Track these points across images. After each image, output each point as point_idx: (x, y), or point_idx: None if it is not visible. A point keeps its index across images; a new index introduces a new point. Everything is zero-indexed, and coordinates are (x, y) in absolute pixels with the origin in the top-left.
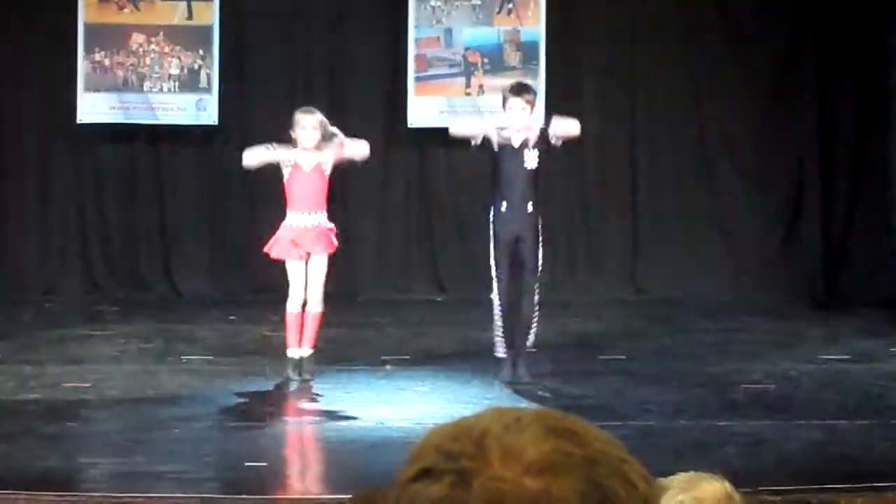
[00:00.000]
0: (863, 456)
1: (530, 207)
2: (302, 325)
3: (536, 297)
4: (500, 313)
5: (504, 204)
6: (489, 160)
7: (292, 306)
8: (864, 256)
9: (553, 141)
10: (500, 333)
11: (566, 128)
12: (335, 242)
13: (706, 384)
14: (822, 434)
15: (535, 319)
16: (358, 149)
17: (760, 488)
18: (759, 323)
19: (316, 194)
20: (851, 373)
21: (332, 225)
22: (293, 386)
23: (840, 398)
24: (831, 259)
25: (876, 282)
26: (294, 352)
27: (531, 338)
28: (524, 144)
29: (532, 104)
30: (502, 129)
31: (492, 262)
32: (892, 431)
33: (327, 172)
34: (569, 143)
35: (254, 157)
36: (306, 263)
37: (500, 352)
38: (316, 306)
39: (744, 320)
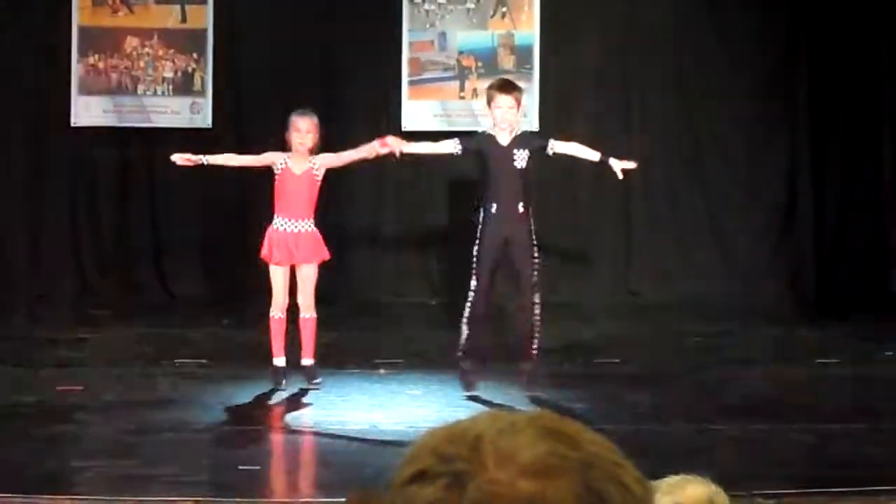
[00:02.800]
0: (855, 460)
1: (521, 208)
2: (286, 333)
3: (537, 299)
4: (468, 317)
5: (494, 205)
6: (478, 162)
7: (276, 311)
8: (856, 260)
9: (550, 153)
10: (465, 337)
11: (577, 152)
12: (326, 251)
13: (699, 388)
14: (815, 438)
15: (538, 324)
16: (358, 151)
17: (754, 492)
18: (752, 327)
19: (304, 200)
20: (844, 377)
21: (316, 232)
22: (281, 395)
23: (833, 402)
24: (824, 262)
25: (868, 285)
26: (280, 360)
27: (535, 342)
28: (513, 144)
29: (519, 101)
30: (486, 132)
31: (473, 262)
32: (884, 435)
33: (318, 178)
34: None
35: (232, 160)
36: (291, 269)
37: (459, 354)
38: (309, 312)
39: (736, 324)
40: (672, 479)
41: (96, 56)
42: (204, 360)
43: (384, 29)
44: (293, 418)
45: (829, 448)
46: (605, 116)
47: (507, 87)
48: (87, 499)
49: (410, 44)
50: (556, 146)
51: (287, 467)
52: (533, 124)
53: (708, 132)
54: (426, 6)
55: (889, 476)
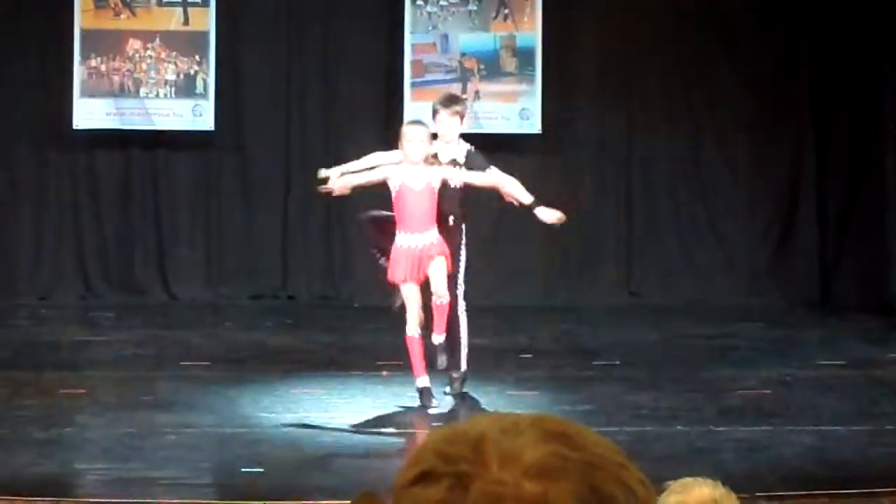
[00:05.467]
0: (858, 462)
1: (451, 221)
2: (424, 350)
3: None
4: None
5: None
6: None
7: (412, 330)
8: (859, 261)
9: (452, 183)
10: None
11: (511, 189)
12: (447, 251)
13: (701, 390)
14: (818, 440)
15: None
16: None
17: (756, 494)
18: (755, 328)
19: (426, 212)
20: (846, 378)
21: (441, 239)
22: (283, 397)
23: (835, 404)
24: (826, 264)
25: (871, 287)
26: (423, 381)
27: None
28: (450, 163)
29: (462, 116)
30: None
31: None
32: (887, 437)
33: (436, 188)
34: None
35: (344, 185)
36: (422, 285)
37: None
38: (443, 298)
39: (739, 326)
40: (683, 480)
41: (98, 59)
42: (206, 363)
43: (386, 31)
44: (296, 420)
45: (832, 450)
46: (607, 118)
47: (449, 101)
48: (89, 502)
49: (413, 46)
50: (494, 175)
51: (290, 470)
52: (535, 126)
53: (710, 134)
54: (428, 8)
55: (891, 477)
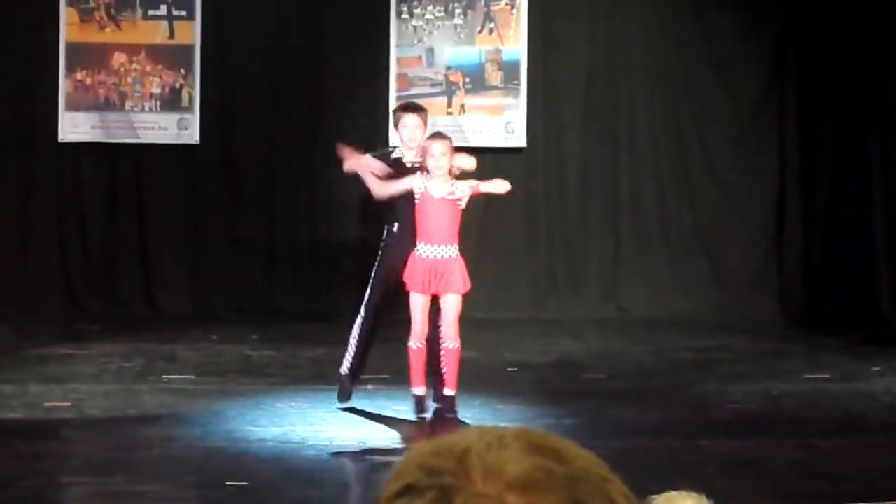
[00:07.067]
0: (844, 475)
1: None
2: (425, 363)
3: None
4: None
5: (396, 225)
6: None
7: (415, 342)
8: (844, 275)
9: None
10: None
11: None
12: (467, 280)
13: (688, 403)
14: (804, 453)
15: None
16: (495, 186)
17: None
18: (741, 342)
19: (447, 226)
20: (832, 392)
21: (461, 259)
22: (268, 411)
23: (821, 417)
24: (813, 278)
25: (857, 301)
26: (419, 390)
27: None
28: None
29: (426, 121)
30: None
31: (371, 280)
32: (872, 451)
33: (462, 203)
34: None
35: (385, 190)
36: (433, 297)
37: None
38: (453, 343)
39: (725, 339)
40: (667, 494)
41: (84, 72)
42: (192, 376)
43: (372, 45)
44: (281, 434)
45: (818, 463)
46: (593, 132)
47: (413, 107)
48: None
49: (398, 60)
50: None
51: (275, 483)
52: (520, 140)
53: (697, 147)
54: (414, 22)
55: (878, 491)
